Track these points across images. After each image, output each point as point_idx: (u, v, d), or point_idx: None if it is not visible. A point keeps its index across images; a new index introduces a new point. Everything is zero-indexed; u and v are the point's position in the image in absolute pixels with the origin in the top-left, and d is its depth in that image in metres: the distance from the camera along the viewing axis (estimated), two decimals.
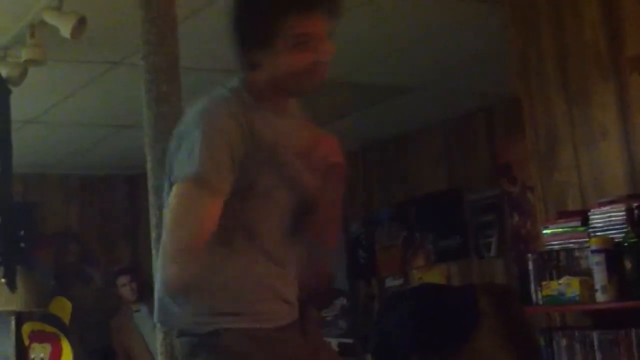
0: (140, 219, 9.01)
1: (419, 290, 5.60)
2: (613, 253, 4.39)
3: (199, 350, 2.61)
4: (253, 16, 2.65)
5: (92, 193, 10.02)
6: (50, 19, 5.03)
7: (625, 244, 4.37)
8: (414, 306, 4.80)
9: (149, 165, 4.04)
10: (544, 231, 4.92)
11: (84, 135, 8.20)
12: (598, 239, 4.49)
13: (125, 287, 8.46)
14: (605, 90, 4.92)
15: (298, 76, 2.62)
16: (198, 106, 2.65)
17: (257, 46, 2.62)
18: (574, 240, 4.69)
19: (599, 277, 4.40)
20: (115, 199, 10.07)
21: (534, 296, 4.76)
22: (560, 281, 4.59)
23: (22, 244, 8.32)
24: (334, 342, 8.39)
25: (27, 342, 7.87)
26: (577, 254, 4.65)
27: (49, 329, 8.01)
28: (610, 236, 4.48)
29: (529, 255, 4.93)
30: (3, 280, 6.41)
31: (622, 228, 4.43)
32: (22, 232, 8.24)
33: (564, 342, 4.67)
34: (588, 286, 4.48)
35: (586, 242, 4.59)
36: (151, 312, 7.40)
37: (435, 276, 8.39)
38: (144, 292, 8.17)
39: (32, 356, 7.92)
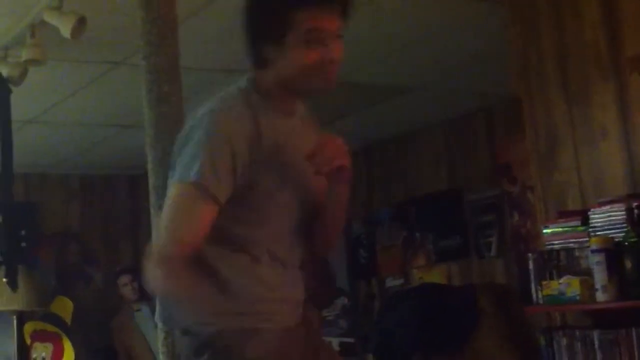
0: (141, 218, 9.00)
1: (419, 289, 5.60)
2: (613, 252, 4.39)
3: (202, 350, 2.61)
4: (265, 10, 2.65)
5: (93, 193, 10.02)
6: (51, 19, 5.03)
7: (626, 244, 4.38)
8: (415, 306, 4.81)
9: (149, 165, 4.04)
10: (544, 231, 4.93)
11: (84, 135, 8.21)
12: (598, 239, 4.49)
13: (126, 286, 8.47)
14: (605, 90, 4.92)
15: (307, 74, 2.60)
16: (206, 108, 2.64)
17: (268, 41, 2.61)
18: (574, 240, 4.69)
19: (599, 276, 4.40)
20: (116, 199, 10.08)
21: (534, 296, 4.77)
22: (561, 281, 4.60)
23: (23, 244, 8.34)
24: (334, 342, 8.41)
25: (28, 342, 7.86)
26: (577, 253, 4.66)
27: (50, 328, 8.00)
28: (611, 236, 4.48)
29: (529, 254, 4.94)
30: (4, 279, 6.42)
31: (622, 227, 4.44)
32: (23, 232, 8.25)
33: (564, 341, 4.67)
34: (588, 286, 4.49)
35: (586, 241, 4.60)
36: (152, 311, 7.40)
37: (435, 276, 8.40)
38: (145, 291, 8.15)
39: (34, 355, 7.92)
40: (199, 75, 6.11)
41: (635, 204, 4.44)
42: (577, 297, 4.52)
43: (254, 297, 2.66)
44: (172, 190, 2.59)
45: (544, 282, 4.70)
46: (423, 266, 8.68)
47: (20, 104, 6.15)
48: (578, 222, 4.71)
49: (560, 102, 5.17)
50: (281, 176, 2.65)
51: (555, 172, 5.16)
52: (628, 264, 4.33)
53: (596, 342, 4.52)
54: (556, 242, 4.78)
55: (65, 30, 4.99)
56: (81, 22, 5.00)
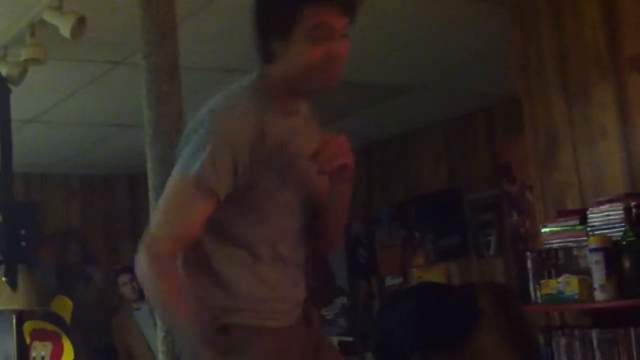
0: (141, 218, 8.93)
1: (419, 288, 5.61)
2: (611, 252, 4.40)
3: (209, 344, 2.60)
4: (273, 4, 2.66)
5: (93, 192, 10.02)
6: (51, 18, 5.04)
7: (624, 243, 4.39)
8: (415, 305, 4.81)
9: (149, 165, 4.04)
10: (543, 230, 4.93)
11: (84, 135, 8.21)
12: (596, 238, 4.50)
13: (126, 285, 8.47)
14: (605, 90, 4.93)
15: (311, 70, 2.60)
16: (209, 106, 2.64)
17: (275, 35, 2.61)
18: (573, 239, 4.70)
19: (598, 275, 4.41)
20: (116, 199, 10.08)
21: (532, 295, 4.77)
22: (559, 280, 4.60)
23: (23, 243, 8.35)
24: (334, 341, 8.41)
25: (28, 341, 7.87)
26: (575, 252, 4.67)
27: (50, 327, 8.00)
28: (609, 235, 4.49)
29: (528, 253, 4.95)
30: (4, 278, 6.43)
31: (621, 227, 4.45)
32: (23, 231, 8.26)
33: (563, 340, 4.68)
34: (587, 285, 4.49)
35: (585, 240, 4.61)
36: (152, 310, 7.39)
37: (434, 275, 8.40)
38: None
39: (34, 354, 7.92)
40: (198, 75, 6.12)
41: (633, 203, 4.45)
42: (576, 296, 4.53)
43: (254, 295, 2.66)
44: (171, 183, 2.60)
45: (542, 281, 4.71)
46: (422, 265, 8.69)
47: (20, 103, 6.15)
48: (576, 222, 4.72)
49: (560, 101, 5.18)
50: (283, 175, 2.66)
51: (554, 172, 5.17)
52: (626, 263, 4.34)
53: (595, 341, 4.53)
54: (555, 241, 4.79)
55: (65, 30, 4.99)
56: (81, 21, 5.00)
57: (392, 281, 8.99)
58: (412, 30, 5.98)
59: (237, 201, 2.60)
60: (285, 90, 2.67)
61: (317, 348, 2.85)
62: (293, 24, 2.58)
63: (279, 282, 2.72)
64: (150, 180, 4.02)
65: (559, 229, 4.80)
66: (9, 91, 5.75)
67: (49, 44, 5.30)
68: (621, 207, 4.48)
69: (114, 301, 8.87)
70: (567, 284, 4.55)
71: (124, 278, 8.49)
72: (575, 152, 5.06)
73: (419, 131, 8.77)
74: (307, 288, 2.84)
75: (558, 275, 4.66)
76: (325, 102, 2.92)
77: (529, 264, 4.83)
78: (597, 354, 4.51)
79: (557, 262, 4.72)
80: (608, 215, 4.55)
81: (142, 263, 2.56)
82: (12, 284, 6.45)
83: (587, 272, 4.52)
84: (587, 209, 4.71)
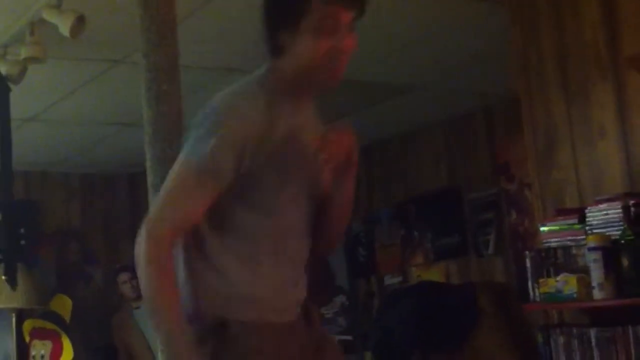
0: (141, 217, 8.91)
1: (419, 287, 5.62)
2: (610, 250, 4.40)
3: (206, 338, 2.61)
4: None
5: (93, 191, 10.02)
6: (50, 17, 5.04)
7: (622, 242, 4.38)
8: (415, 304, 4.82)
9: (148, 164, 4.05)
10: (542, 229, 4.93)
11: (84, 134, 8.21)
12: (595, 237, 4.51)
13: (125, 284, 8.48)
14: (604, 90, 4.94)
15: (318, 63, 2.62)
16: (221, 96, 2.67)
17: (283, 27, 2.64)
18: (571, 238, 4.70)
19: (596, 274, 4.41)
20: (116, 197, 10.08)
21: (531, 293, 4.77)
22: (558, 278, 4.60)
23: (23, 242, 8.35)
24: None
25: (27, 339, 7.88)
26: (574, 251, 4.66)
27: (49, 326, 8.01)
28: (607, 234, 4.49)
29: (527, 252, 4.95)
30: (4, 277, 6.44)
31: (619, 225, 4.45)
32: (22, 230, 8.26)
33: (561, 339, 4.68)
34: (585, 283, 4.49)
35: (583, 239, 4.61)
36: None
37: (434, 274, 8.41)
38: None
39: (33, 353, 7.93)
40: (198, 74, 6.13)
41: (632, 202, 4.45)
42: (574, 295, 4.52)
43: (254, 290, 2.67)
44: (175, 168, 2.61)
45: (541, 280, 4.70)
46: (421, 264, 8.69)
47: (20, 102, 6.16)
48: (575, 220, 4.72)
49: (559, 101, 5.18)
50: (290, 168, 2.67)
51: (553, 171, 5.17)
52: (625, 262, 4.34)
53: (593, 340, 4.52)
54: (553, 240, 4.79)
55: (65, 29, 5.00)
56: (80, 20, 5.01)
57: (391, 280, 9.00)
58: (412, 30, 5.98)
59: (242, 193, 2.61)
60: (293, 83, 2.69)
61: (317, 348, 2.84)
62: (301, 16, 2.60)
63: (280, 277, 2.72)
64: (150, 179, 4.02)
65: (557, 227, 4.80)
66: (8, 90, 5.76)
67: (48, 43, 5.31)
68: (620, 206, 4.48)
69: (114, 300, 8.88)
70: (565, 283, 4.55)
71: (123, 277, 8.49)
72: (574, 151, 5.07)
73: (419, 131, 8.78)
74: (308, 287, 2.85)
75: (557, 274, 4.66)
76: (325, 102, 2.93)
77: (528, 263, 4.83)
78: (596, 353, 4.51)
79: (555, 260, 4.72)
80: (607, 214, 4.55)
81: (141, 244, 2.56)
82: (12, 282, 6.46)
83: (585, 271, 4.52)
84: (586, 208, 4.71)
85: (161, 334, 2.58)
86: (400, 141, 9.05)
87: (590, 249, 4.46)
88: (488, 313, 4.69)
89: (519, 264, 5.56)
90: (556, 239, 4.77)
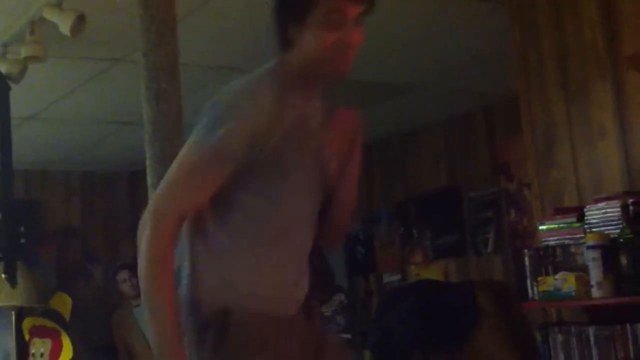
0: (141, 215, 8.94)
1: (417, 286, 5.63)
2: (609, 249, 4.41)
3: (206, 327, 2.62)
4: None
5: (93, 190, 10.05)
6: (50, 16, 5.05)
7: (621, 240, 4.39)
8: (414, 304, 4.83)
9: (148, 162, 4.05)
10: (540, 227, 4.94)
11: (84, 132, 8.22)
12: (594, 235, 4.51)
13: (125, 282, 8.47)
14: (604, 89, 4.95)
15: (325, 56, 2.64)
16: (232, 86, 2.69)
17: (292, 20, 2.67)
18: (570, 236, 4.70)
19: (595, 272, 4.42)
20: (116, 196, 10.10)
21: (530, 292, 4.78)
22: (557, 277, 4.60)
23: (23, 240, 8.35)
24: None
25: (27, 337, 7.86)
26: (573, 249, 4.67)
27: (49, 324, 8.00)
28: (606, 232, 4.50)
29: (526, 251, 4.95)
30: (4, 275, 6.44)
31: (618, 224, 4.45)
32: (22, 229, 8.26)
33: (560, 337, 4.68)
34: (584, 282, 4.50)
35: (582, 238, 4.62)
36: None
37: (433, 273, 8.42)
38: None
39: (33, 351, 7.92)
40: (197, 73, 6.14)
41: (630, 200, 4.46)
42: (573, 293, 4.53)
43: (258, 279, 2.68)
44: (185, 150, 2.63)
45: (539, 278, 4.71)
46: (420, 263, 8.71)
47: (20, 101, 6.16)
48: (574, 219, 4.72)
49: (559, 101, 5.19)
50: (297, 157, 2.69)
51: (552, 170, 5.18)
52: (623, 261, 4.35)
53: (592, 338, 4.53)
54: (552, 238, 4.79)
55: (65, 28, 5.01)
56: (80, 19, 5.02)
57: (390, 278, 9.01)
58: (412, 30, 5.99)
59: (248, 180, 2.63)
60: (301, 76, 2.71)
61: (318, 348, 2.84)
62: (308, 10, 2.63)
63: (284, 268, 2.73)
64: (150, 178, 4.03)
65: (556, 226, 4.81)
66: (8, 89, 5.76)
67: (48, 42, 5.32)
68: (618, 205, 4.49)
69: (114, 299, 8.88)
70: (564, 281, 4.55)
71: (123, 275, 8.49)
72: (574, 150, 5.08)
73: (419, 131, 8.79)
74: (309, 284, 2.87)
75: (555, 272, 4.66)
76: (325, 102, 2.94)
77: (527, 261, 4.83)
78: (594, 351, 4.51)
79: (554, 259, 4.73)
80: (605, 212, 4.56)
81: (147, 225, 2.57)
82: (12, 281, 6.45)
83: (584, 269, 4.52)
84: (585, 207, 4.72)
85: (153, 325, 2.61)
86: (400, 141, 9.06)
87: (589, 248, 4.47)
88: (488, 313, 4.69)
89: (517, 262, 5.56)
90: (555, 238, 4.78)
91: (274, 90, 2.63)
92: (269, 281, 2.70)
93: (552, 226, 4.84)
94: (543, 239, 4.86)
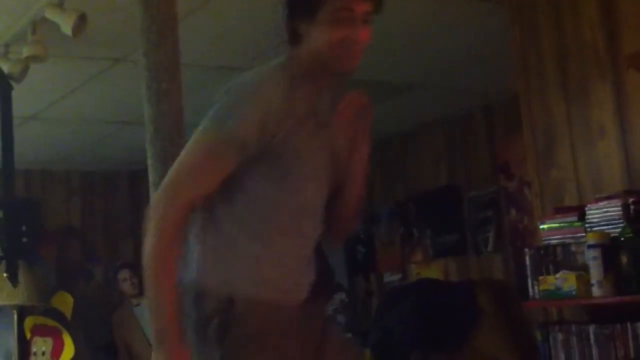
0: (142, 214, 8.94)
1: (418, 286, 5.63)
2: (609, 248, 4.40)
3: (212, 316, 2.64)
4: None
5: (93, 190, 10.06)
6: (52, 15, 5.06)
7: (622, 239, 4.38)
8: (414, 304, 4.83)
9: (149, 162, 4.05)
10: (541, 226, 4.94)
11: (85, 132, 8.23)
12: (594, 234, 4.51)
13: (126, 281, 8.48)
14: (603, 89, 4.95)
15: (332, 51, 2.68)
16: (242, 78, 2.74)
17: (301, 16, 2.71)
18: (571, 235, 4.70)
19: (595, 271, 4.42)
20: (117, 195, 10.11)
21: (530, 291, 4.78)
22: (557, 276, 4.60)
23: (24, 239, 8.35)
24: None
25: (29, 336, 7.88)
26: (573, 249, 4.66)
27: (50, 323, 8.01)
28: (607, 231, 4.50)
29: (526, 250, 4.94)
30: (5, 274, 6.44)
31: (619, 223, 4.45)
32: (24, 228, 8.27)
33: (560, 336, 4.68)
34: (584, 281, 4.49)
35: (583, 237, 4.61)
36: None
37: (433, 272, 8.43)
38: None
39: (34, 350, 7.93)
40: (198, 73, 6.14)
41: (631, 200, 4.45)
42: (574, 292, 4.52)
43: (263, 267, 2.70)
44: (197, 137, 2.67)
45: (540, 278, 4.70)
46: (421, 262, 8.71)
47: (22, 100, 6.17)
48: (575, 218, 4.72)
49: (559, 101, 5.20)
50: (308, 146, 2.73)
51: (552, 169, 5.19)
52: (624, 260, 4.35)
53: (592, 337, 4.53)
54: (553, 237, 4.79)
55: (66, 27, 5.02)
56: (82, 19, 5.03)
57: (390, 277, 9.02)
58: (412, 30, 5.99)
59: (258, 167, 2.67)
60: (309, 70, 2.75)
61: (318, 348, 2.85)
62: (317, 8, 2.67)
63: (291, 257, 2.76)
64: (151, 178, 4.03)
65: (557, 225, 4.81)
66: (10, 88, 5.77)
67: (50, 42, 5.32)
68: (619, 204, 4.48)
69: (114, 298, 8.89)
70: (565, 280, 4.55)
71: (124, 274, 8.50)
72: (574, 150, 5.08)
73: (419, 130, 8.80)
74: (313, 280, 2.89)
75: (556, 271, 4.65)
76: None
77: (527, 261, 4.83)
78: (595, 350, 4.51)
79: (555, 258, 4.72)
80: (606, 211, 4.56)
81: (157, 208, 2.62)
82: (13, 279, 6.46)
83: (585, 269, 4.52)
84: (585, 206, 4.72)
85: (152, 304, 2.64)
86: (400, 141, 9.06)
87: (590, 247, 4.47)
88: (488, 312, 4.70)
89: (518, 261, 5.55)
90: (556, 237, 4.77)
91: (285, 80, 2.67)
92: (273, 271, 2.72)
93: (552, 225, 4.84)
94: (544, 238, 4.86)
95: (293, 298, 2.77)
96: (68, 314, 8.09)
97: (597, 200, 4.67)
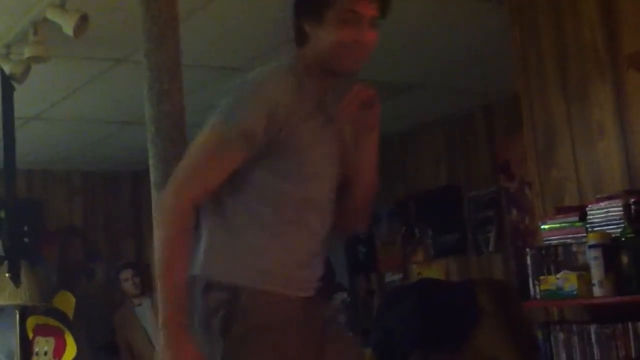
0: (143, 215, 9.06)
1: (418, 285, 5.63)
2: (610, 248, 4.40)
3: (218, 308, 2.66)
4: None
5: (95, 190, 10.06)
6: (53, 16, 5.06)
7: (623, 239, 4.38)
8: (415, 303, 4.84)
9: (151, 162, 4.05)
10: (542, 226, 4.94)
11: (87, 132, 8.23)
12: (595, 234, 4.51)
13: (127, 281, 8.49)
14: (603, 89, 4.95)
15: (337, 51, 2.73)
16: (254, 72, 2.78)
17: (309, 17, 2.76)
18: (572, 236, 4.69)
19: (597, 271, 4.41)
20: (119, 195, 10.10)
21: (532, 291, 4.77)
22: (558, 276, 4.60)
23: (26, 239, 8.37)
24: None
25: (31, 336, 7.88)
26: (574, 248, 4.65)
27: (53, 322, 8.03)
28: (608, 231, 4.49)
29: (527, 250, 4.94)
30: (7, 274, 6.45)
31: (620, 223, 4.45)
32: (25, 228, 8.28)
33: (561, 336, 4.68)
34: (585, 281, 4.49)
35: (584, 237, 4.61)
36: (153, 305, 7.38)
37: (434, 271, 8.43)
38: (147, 286, 8.23)
39: (36, 350, 7.94)
40: (199, 73, 6.15)
41: (632, 200, 4.45)
42: (575, 292, 4.52)
43: (270, 259, 2.73)
44: (205, 132, 2.71)
45: (541, 277, 4.70)
46: (422, 262, 8.72)
47: (23, 101, 6.18)
48: (576, 218, 4.72)
49: (559, 101, 5.20)
50: (316, 140, 2.77)
51: (553, 169, 5.19)
52: (625, 260, 4.34)
53: (593, 337, 4.53)
54: (554, 237, 4.79)
55: (68, 28, 5.02)
56: (84, 19, 5.03)
57: (391, 277, 9.03)
58: (412, 30, 5.99)
59: (268, 160, 2.71)
60: (317, 70, 2.79)
61: (320, 347, 2.85)
62: (325, 9, 2.72)
63: (299, 250, 2.78)
64: (152, 178, 4.03)
65: (558, 225, 4.81)
66: (12, 89, 5.78)
67: (51, 42, 5.33)
68: (620, 204, 4.48)
69: (116, 297, 8.90)
70: (566, 280, 4.55)
71: (125, 274, 8.51)
72: (574, 150, 5.08)
73: (419, 130, 8.80)
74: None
75: (557, 271, 4.65)
76: None
77: (529, 260, 4.82)
78: (596, 349, 4.51)
79: (556, 258, 4.72)
80: (607, 211, 4.55)
81: (167, 202, 2.67)
82: (16, 279, 6.47)
83: (586, 268, 4.51)
84: (587, 206, 4.71)
85: (162, 294, 2.67)
86: (400, 140, 9.05)
87: (591, 247, 4.46)
88: (488, 312, 4.71)
89: (519, 261, 5.55)
90: (557, 237, 4.77)
91: (291, 77, 2.72)
92: (280, 263, 2.74)
93: (553, 225, 4.84)
94: (545, 238, 4.86)
95: (299, 292, 2.78)
96: (70, 313, 8.10)
97: (598, 200, 4.67)
